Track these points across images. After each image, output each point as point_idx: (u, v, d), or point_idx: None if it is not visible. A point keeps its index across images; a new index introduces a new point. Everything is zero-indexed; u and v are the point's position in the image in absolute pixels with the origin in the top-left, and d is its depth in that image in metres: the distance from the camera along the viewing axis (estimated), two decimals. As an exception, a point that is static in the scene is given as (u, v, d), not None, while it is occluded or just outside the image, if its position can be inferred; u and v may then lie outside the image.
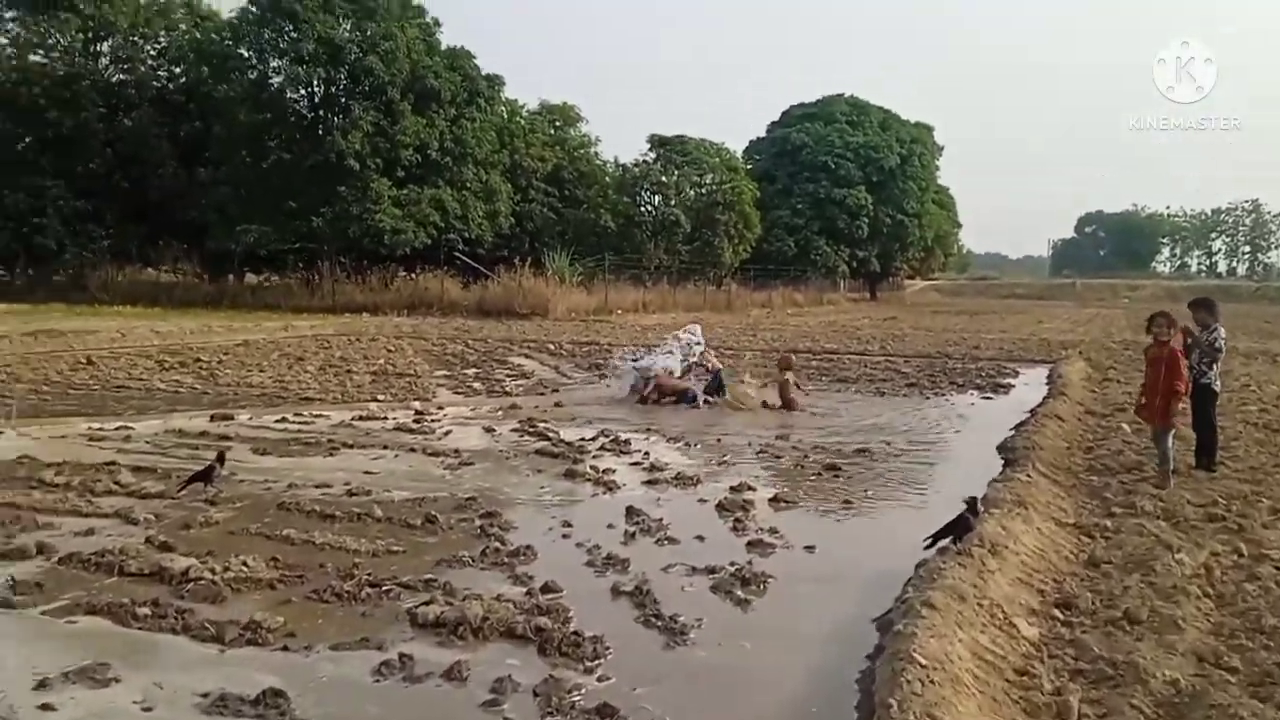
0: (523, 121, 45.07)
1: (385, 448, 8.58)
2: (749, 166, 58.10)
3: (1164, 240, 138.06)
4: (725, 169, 46.55)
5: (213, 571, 4.96)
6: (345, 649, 4.13)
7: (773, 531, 6.07)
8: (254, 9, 35.11)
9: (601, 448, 8.84)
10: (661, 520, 6.24)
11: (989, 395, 14.30)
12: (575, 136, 47.63)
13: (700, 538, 5.93)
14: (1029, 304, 63.16)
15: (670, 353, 13.47)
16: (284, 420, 9.94)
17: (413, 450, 8.47)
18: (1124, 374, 17.26)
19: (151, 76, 38.61)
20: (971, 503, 5.56)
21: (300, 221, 34.92)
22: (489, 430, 9.68)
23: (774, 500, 6.91)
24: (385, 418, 10.25)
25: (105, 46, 38.45)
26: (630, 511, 6.36)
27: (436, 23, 38.42)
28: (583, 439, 9.27)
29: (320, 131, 35.13)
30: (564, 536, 5.92)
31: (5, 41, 36.84)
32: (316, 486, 6.97)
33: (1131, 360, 19.91)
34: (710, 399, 12.43)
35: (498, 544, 5.57)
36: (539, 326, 28.18)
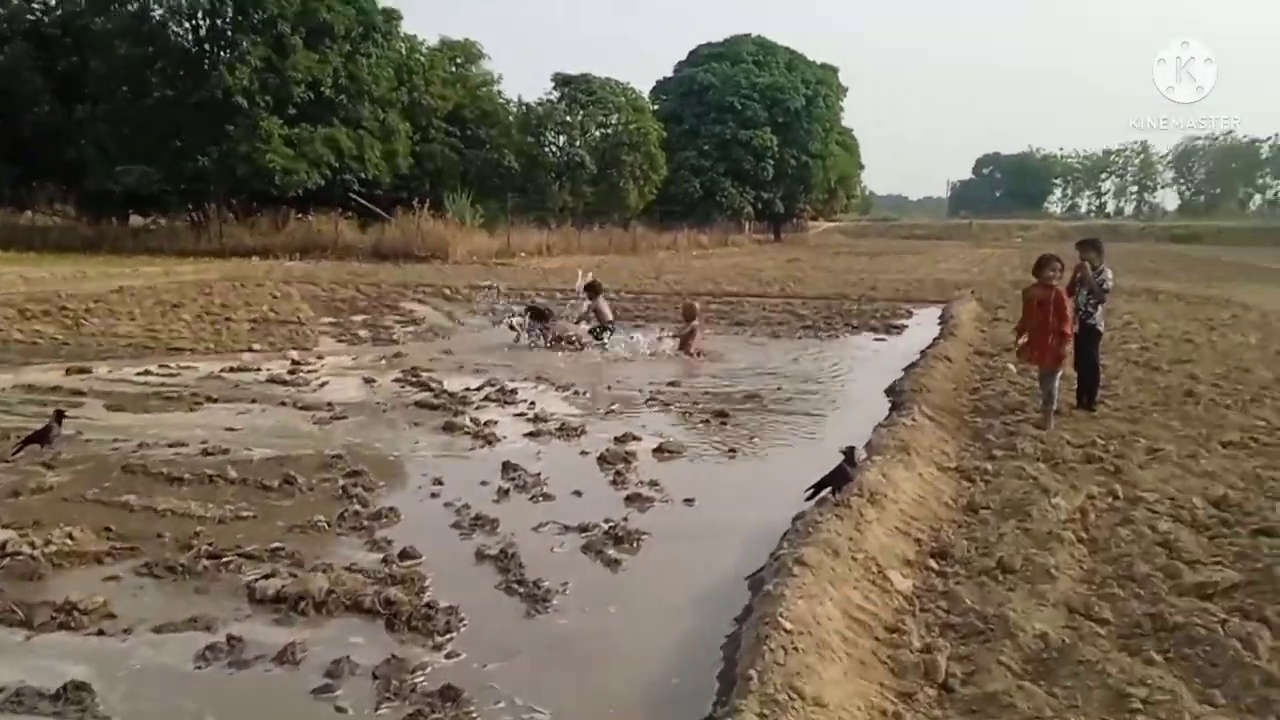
0: (422, 59, 43.43)
1: (253, 401, 8.09)
2: (656, 107, 57.43)
3: (1056, 181, 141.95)
4: (631, 109, 45.86)
5: (33, 545, 4.51)
6: (169, 631, 3.77)
7: (653, 484, 5.86)
8: (132, -64, 32.85)
9: (486, 398, 8.51)
10: (539, 475, 5.98)
11: (882, 337, 14.37)
12: (477, 75, 46.20)
13: (578, 493, 5.69)
14: (928, 244, 64.39)
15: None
16: (147, 373, 9.35)
17: (283, 404, 8.01)
18: (1013, 313, 17.45)
19: (24, 9, 36.02)
20: (849, 452, 5.41)
21: (187, 161, 33.19)
22: (368, 381, 9.25)
23: (658, 450, 6.71)
24: (259, 369, 9.71)
25: (-26, -21, 35.70)
26: (506, 467, 6.07)
27: (328, -49, 36.42)
28: (467, 389, 8.92)
29: (206, 67, 33.25)
30: (433, 495, 5.61)
31: None
32: (170, 445, 6.50)
33: (1020, 300, 20.34)
34: (598, 344, 12.20)
35: (359, 506, 5.23)
36: (438, 270, 27.44)
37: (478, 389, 8.92)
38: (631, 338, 12.60)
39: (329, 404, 8.02)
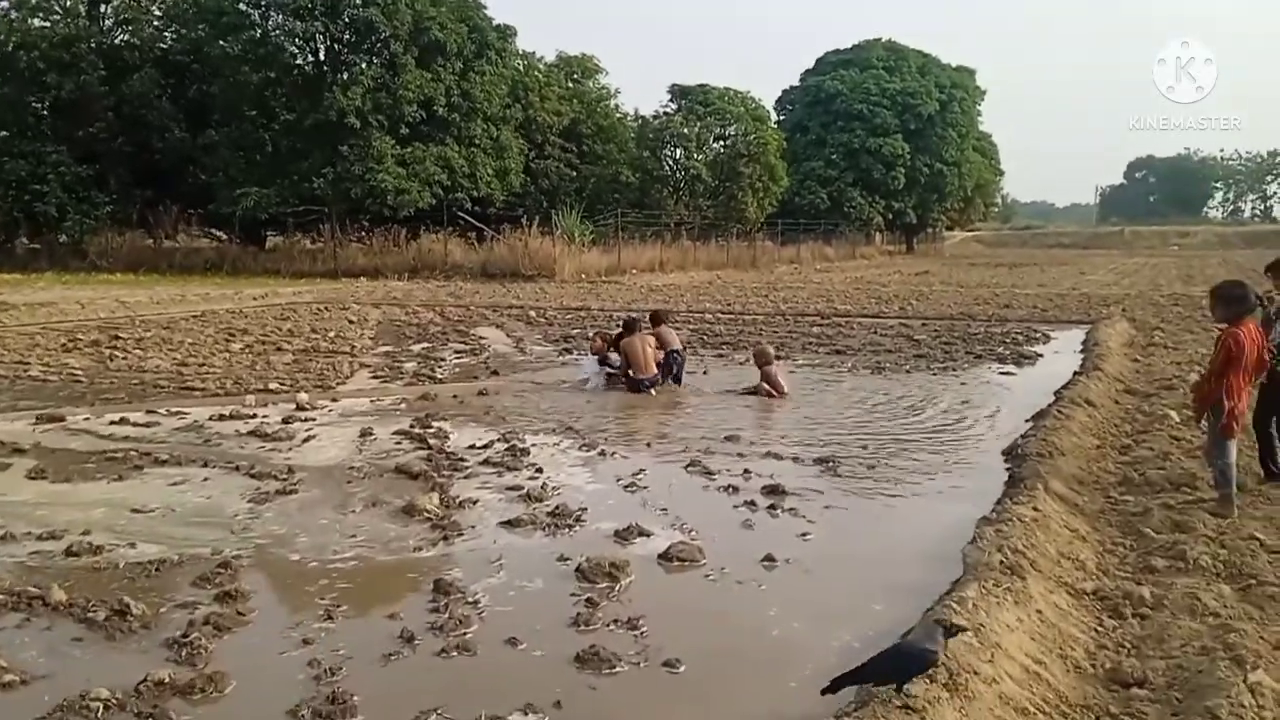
0: (539, 75, 42.72)
1: (205, 465, 6.72)
2: (781, 118, 55.53)
3: (1217, 185, 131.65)
4: (750, 119, 43.86)
5: None
6: None
7: (632, 626, 4.07)
8: (252, -40, 33.15)
9: (486, 460, 6.89)
10: (477, 601, 4.31)
11: (1010, 370, 12.09)
12: (593, 89, 45.19)
13: (513, 641, 3.92)
14: (1074, 254, 59.96)
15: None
16: (123, 421, 8.17)
17: (237, 469, 6.60)
18: (1173, 336, 14.94)
19: (156, 37, 36.92)
20: (945, 630, 3.37)
21: (304, 183, 33.21)
22: (364, 434, 7.78)
23: (665, 557, 4.91)
24: (253, 415, 8.41)
25: (109, 8, 36.82)
26: (439, 588, 4.39)
27: (443, -29, 36.02)
28: (473, 446, 7.36)
29: (323, 89, 33.12)
30: (303, 643, 3.88)
31: (7, 5, 35.36)
32: (41, 538, 5.11)
33: (1182, 318, 17.55)
34: (658, 384, 10.42)
35: (177, 666, 3.62)
36: (540, 290, 26.23)
37: (484, 446, 7.33)
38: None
39: (290, 470, 6.55)
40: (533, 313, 18.92)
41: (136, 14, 36.64)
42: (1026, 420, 8.49)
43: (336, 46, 34.25)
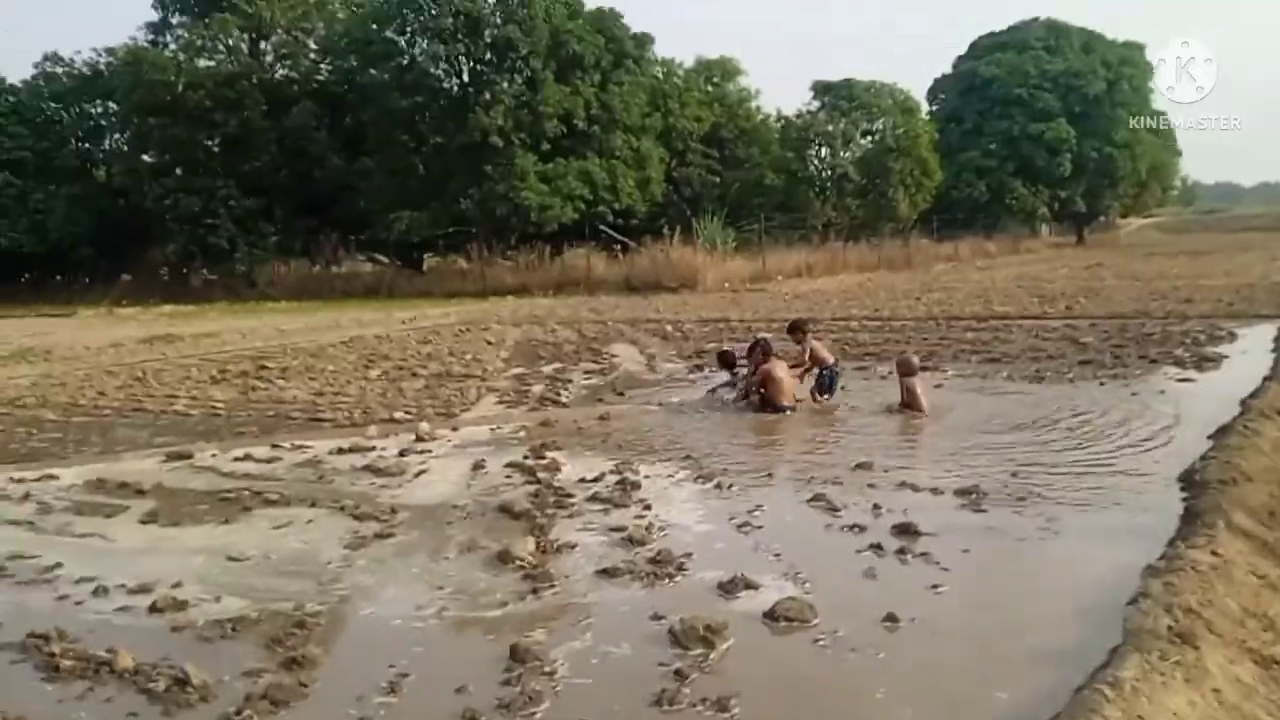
0: (678, 81, 42.46)
1: (313, 505, 6.59)
2: (933, 108, 53.40)
3: None
4: (900, 111, 42.23)
5: None
6: None
7: (720, 708, 3.54)
8: (395, -10, 34.30)
9: (594, 496, 6.49)
10: (553, 673, 3.88)
11: (1190, 375, 10.82)
12: (734, 91, 44.57)
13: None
14: (1264, 237, 54.90)
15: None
16: (247, 458, 8.20)
17: (341, 509, 6.43)
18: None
19: (313, 70, 38.77)
20: None
21: (452, 205, 34.09)
22: (476, 467, 7.53)
23: (771, 616, 4.35)
24: (372, 448, 8.31)
25: (268, 45, 38.91)
26: (515, 656, 3.99)
27: (579, -16, 36.37)
28: (584, 478, 6.97)
29: (467, 111, 33.88)
30: None
31: (176, 48, 37.89)
32: (132, 592, 5.02)
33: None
34: (819, 398, 9.82)
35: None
36: (682, 301, 25.87)
37: (594, 480, 6.93)
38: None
39: (393, 510, 6.33)
40: (669, 326, 18.55)
41: (295, 49, 38.53)
42: (1208, 437, 7.46)
43: (479, 67, 35.00)
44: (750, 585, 4.73)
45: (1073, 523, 5.67)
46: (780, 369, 9.63)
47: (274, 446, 8.61)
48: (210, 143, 36.50)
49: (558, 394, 11.14)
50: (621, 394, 11.10)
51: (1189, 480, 6.28)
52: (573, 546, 5.47)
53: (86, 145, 41.85)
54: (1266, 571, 4.76)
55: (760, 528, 5.74)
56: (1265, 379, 9.59)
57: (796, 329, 10.67)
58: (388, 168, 35.40)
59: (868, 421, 9.09)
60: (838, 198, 41.98)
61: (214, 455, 8.37)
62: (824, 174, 42.57)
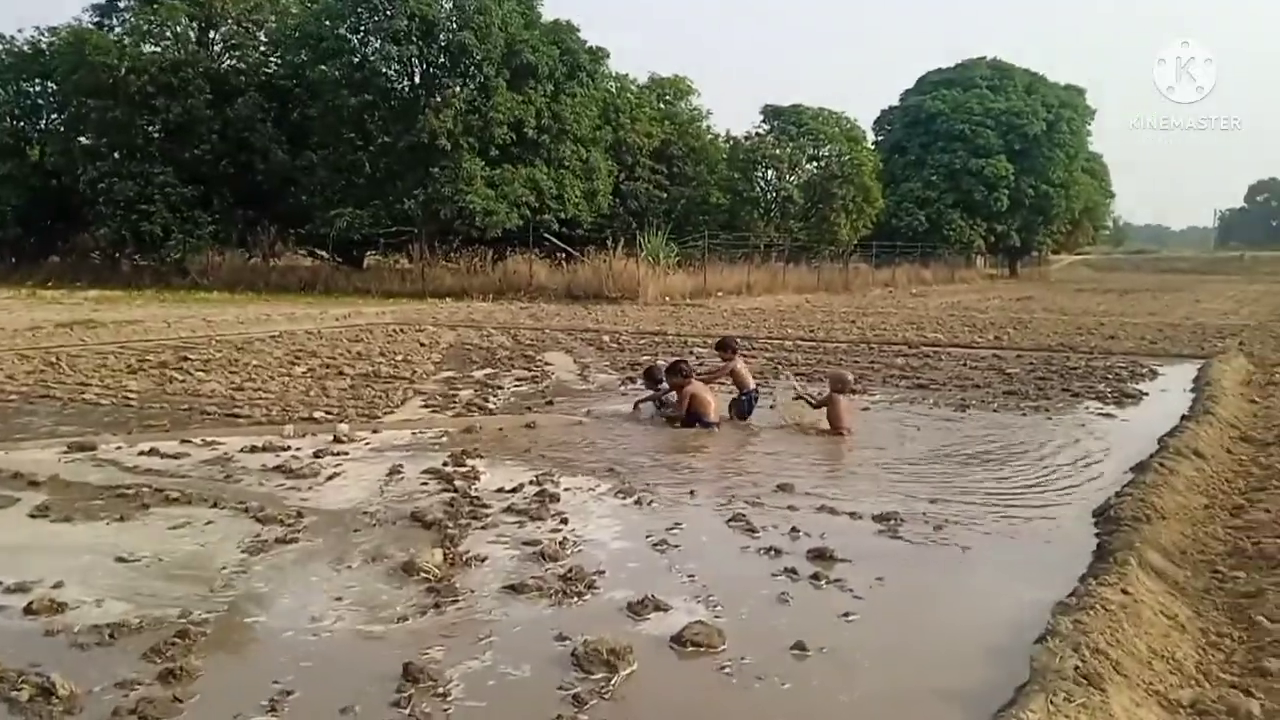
0: (631, 97, 42.54)
1: (214, 505, 6.33)
2: (879, 138, 54.33)
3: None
4: (845, 139, 42.84)
5: None
6: None
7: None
8: (352, -13, 33.79)
9: (510, 508, 6.34)
10: (446, 694, 3.74)
11: (1110, 410, 11.02)
12: (685, 110, 44.83)
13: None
14: (1190, 280, 56.80)
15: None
16: (152, 452, 7.88)
17: (245, 511, 6.19)
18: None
19: (261, 63, 38.02)
20: None
21: (395, 204, 33.63)
22: (392, 472, 7.32)
23: (678, 640, 4.24)
24: (286, 448, 8.04)
25: (218, 34, 38.06)
26: (408, 675, 3.81)
27: (538, -6, 36.24)
28: (501, 489, 6.81)
29: (417, 112, 33.45)
30: None
31: (121, 32, 36.88)
32: (10, 590, 4.75)
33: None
34: (736, 422, 9.79)
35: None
36: (620, 313, 25.79)
37: (513, 490, 6.78)
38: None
39: (299, 514, 6.10)
40: (606, 337, 18.44)
41: (243, 40, 37.76)
42: (1125, 472, 7.56)
43: (431, 70, 34.65)
44: (660, 607, 4.62)
45: (987, 554, 5.68)
46: (702, 387, 9.61)
47: (183, 442, 8.31)
48: (150, 129, 35.55)
49: (486, 400, 10.96)
50: (551, 403, 10.95)
51: (1104, 515, 6.34)
52: (482, 559, 5.31)
53: (21, 124, 40.51)
54: (1176, 612, 4.78)
55: (677, 547, 5.64)
56: (1183, 417, 9.77)
57: (726, 346, 10.68)
58: (332, 163, 34.86)
59: (795, 441, 9.07)
60: (781, 219, 42.37)
61: (118, 448, 8.04)
62: (769, 195, 42.94)
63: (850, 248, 45.31)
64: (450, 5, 33.52)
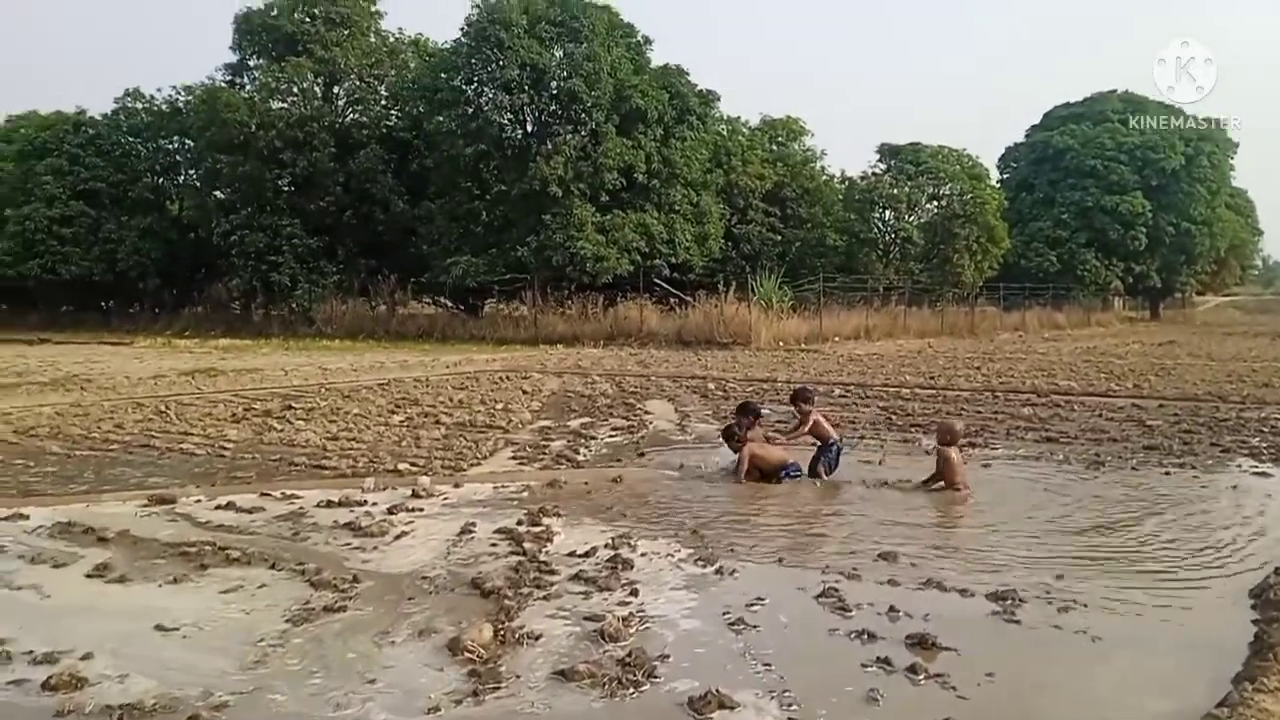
0: (742, 139, 42.26)
1: (274, 565, 6.02)
2: (1004, 176, 52.48)
3: None
4: (967, 177, 41.41)
5: None
6: None
7: None
8: (465, 40, 34.72)
9: (578, 575, 5.83)
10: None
11: (1267, 469, 9.79)
12: (798, 151, 44.24)
13: None
14: (1353, 322, 52.40)
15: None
16: (229, 506, 7.71)
17: (301, 573, 5.86)
18: None
19: (382, 116, 39.40)
20: None
21: (510, 252, 34.08)
22: (464, 531, 6.91)
23: (746, 746, 3.63)
24: (361, 503, 7.76)
25: (341, 89, 39.66)
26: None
27: (646, 41, 36.58)
28: (572, 553, 6.31)
29: (530, 160, 33.96)
30: None
31: (251, 89, 38.80)
32: (37, 661, 4.49)
33: None
34: (822, 477, 9.05)
35: None
36: (731, 359, 25.19)
37: (585, 554, 6.27)
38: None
39: (355, 579, 5.72)
40: (711, 384, 17.86)
41: (365, 94, 39.16)
42: (1286, 544, 6.56)
43: (543, 117, 35.14)
44: (725, 704, 4.01)
45: (1120, 644, 4.85)
46: (762, 445, 9.00)
47: (262, 495, 8.12)
48: (279, 182, 37.11)
49: (577, 451, 10.53)
50: (643, 454, 10.44)
51: (1262, 598, 5.40)
52: (536, 637, 4.80)
53: (160, 180, 43.02)
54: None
55: (755, 627, 5.01)
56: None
57: (798, 398, 9.81)
58: (449, 212, 35.64)
59: (905, 501, 8.29)
60: (900, 261, 41.14)
61: (197, 501, 7.90)
62: (887, 237, 41.79)
63: (975, 290, 43.59)
64: (560, 54, 34.02)
